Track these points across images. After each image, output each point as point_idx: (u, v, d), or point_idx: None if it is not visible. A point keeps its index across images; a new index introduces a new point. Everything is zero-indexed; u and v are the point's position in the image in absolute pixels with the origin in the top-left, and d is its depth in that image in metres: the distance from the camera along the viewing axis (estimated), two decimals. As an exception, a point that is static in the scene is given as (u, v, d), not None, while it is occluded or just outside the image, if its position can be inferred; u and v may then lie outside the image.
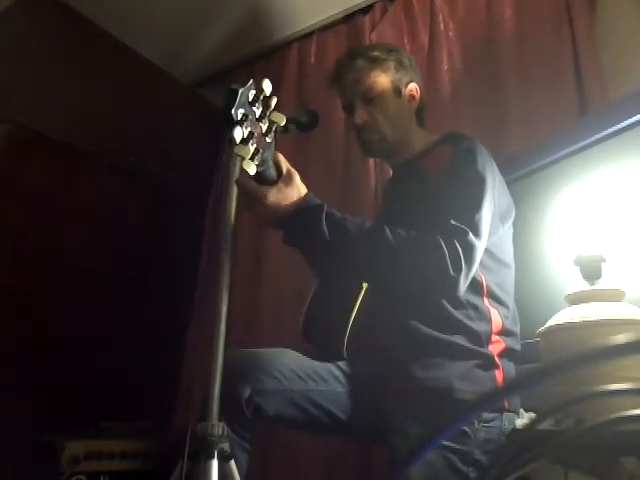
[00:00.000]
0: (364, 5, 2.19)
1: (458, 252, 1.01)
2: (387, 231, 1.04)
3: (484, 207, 1.09)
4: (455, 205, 1.10)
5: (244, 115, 0.86)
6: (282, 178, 1.06)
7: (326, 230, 1.03)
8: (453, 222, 1.05)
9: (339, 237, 1.04)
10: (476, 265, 1.06)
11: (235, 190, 1.01)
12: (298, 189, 1.07)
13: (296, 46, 2.35)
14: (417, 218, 1.17)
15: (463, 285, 1.03)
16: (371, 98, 1.32)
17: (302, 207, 1.06)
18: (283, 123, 0.96)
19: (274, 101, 0.93)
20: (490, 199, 1.13)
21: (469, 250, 1.03)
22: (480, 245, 1.06)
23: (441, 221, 1.06)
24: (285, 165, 1.08)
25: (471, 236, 1.04)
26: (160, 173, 2.26)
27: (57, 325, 1.85)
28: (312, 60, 2.27)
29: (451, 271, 1.00)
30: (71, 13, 2.03)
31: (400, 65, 1.36)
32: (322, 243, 1.04)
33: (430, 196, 1.17)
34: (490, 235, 1.14)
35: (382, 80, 1.33)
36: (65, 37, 2.03)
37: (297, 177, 1.08)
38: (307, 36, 2.33)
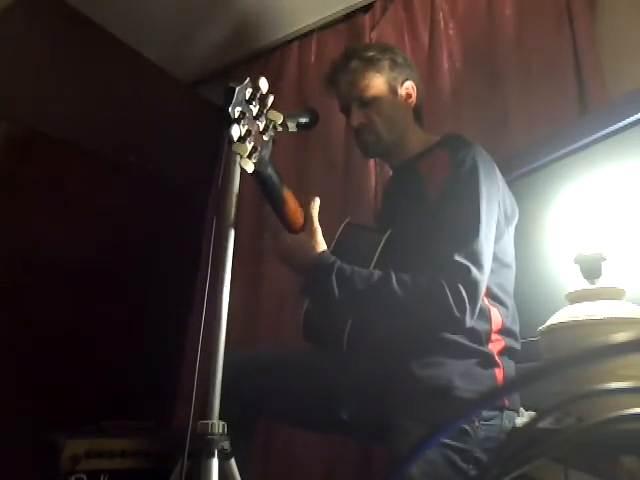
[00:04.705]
0: (364, 4, 2.18)
1: (462, 295, 1.03)
2: (393, 283, 1.07)
3: (482, 229, 1.09)
4: (455, 232, 1.10)
5: (241, 113, 0.86)
6: (306, 230, 1.14)
7: (336, 291, 1.08)
8: (456, 258, 1.06)
9: (349, 296, 1.09)
10: (481, 296, 1.07)
11: (235, 189, 1.01)
12: (315, 245, 1.13)
13: (296, 45, 2.35)
14: (416, 221, 1.19)
15: (470, 320, 1.06)
16: (367, 100, 1.31)
17: (314, 267, 1.11)
18: (280, 121, 0.97)
19: (271, 99, 0.93)
20: (491, 212, 1.14)
21: (472, 288, 1.05)
22: (483, 276, 1.07)
23: (443, 256, 1.07)
24: (312, 220, 1.14)
25: (474, 272, 1.05)
26: (160, 172, 2.26)
27: (57, 324, 1.85)
28: (312, 59, 2.27)
29: (457, 314, 1.04)
30: (71, 13, 2.03)
31: (394, 64, 1.35)
32: (333, 301, 1.10)
33: (427, 201, 1.18)
34: (496, 240, 1.16)
35: (377, 81, 1.32)
36: (65, 37, 2.03)
37: (319, 234, 1.14)
38: (307, 35, 2.32)
